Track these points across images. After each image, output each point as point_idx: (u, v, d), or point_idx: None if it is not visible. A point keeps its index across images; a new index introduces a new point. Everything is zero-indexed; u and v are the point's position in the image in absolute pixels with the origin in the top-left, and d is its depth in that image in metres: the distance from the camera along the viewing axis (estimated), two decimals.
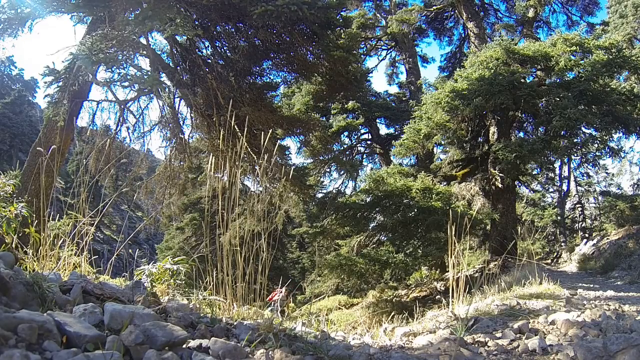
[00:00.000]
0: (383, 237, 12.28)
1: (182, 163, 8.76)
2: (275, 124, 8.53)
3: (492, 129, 12.43)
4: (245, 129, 2.81)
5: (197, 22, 6.70)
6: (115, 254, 2.86)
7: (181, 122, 8.19)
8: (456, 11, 16.92)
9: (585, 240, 17.07)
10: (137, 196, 11.89)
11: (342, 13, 7.92)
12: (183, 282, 3.00)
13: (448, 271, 10.46)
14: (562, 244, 19.97)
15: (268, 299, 7.69)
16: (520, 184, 14.25)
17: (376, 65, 43.92)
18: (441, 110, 10.75)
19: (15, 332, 1.13)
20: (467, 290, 3.39)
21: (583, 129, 10.16)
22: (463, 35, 18.73)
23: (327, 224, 12.85)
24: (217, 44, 7.72)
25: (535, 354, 1.93)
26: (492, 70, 10.52)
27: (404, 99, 19.27)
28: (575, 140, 10.11)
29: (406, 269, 10.97)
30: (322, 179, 16.88)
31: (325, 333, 2.35)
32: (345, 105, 16.63)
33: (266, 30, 6.85)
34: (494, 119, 12.18)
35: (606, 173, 23.25)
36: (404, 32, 17.12)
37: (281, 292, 7.99)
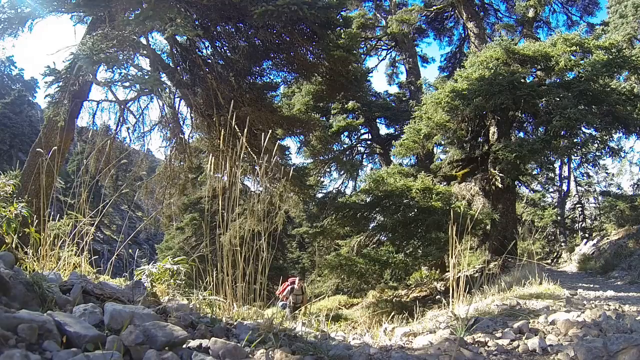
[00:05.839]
0: (383, 237, 12.27)
1: (182, 163, 8.76)
2: (275, 124, 8.53)
3: (492, 129, 12.43)
4: (246, 129, 2.80)
5: (197, 22, 6.70)
6: (115, 254, 2.85)
7: (181, 122, 8.20)
8: (456, 11, 16.92)
9: (585, 240, 17.06)
10: (137, 196, 11.89)
11: (342, 13, 7.93)
12: (183, 282, 3.00)
13: (448, 271, 10.46)
14: (562, 244, 19.95)
15: (278, 292, 7.41)
16: (520, 184, 14.24)
17: (376, 65, 43.96)
18: (441, 110, 10.75)
19: (15, 332, 1.13)
20: (467, 290, 3.39)
21: (583, 129, 10.16)
22: (463, 35, 18.74)
23: (327, 224, 12.84)
24: (217, 44, 7.72)
25: (535, 354, 1.93)
26: (492, 70, 10.52)
27: (404, 99, 19.26)
28: (575, 140, 10.10)
29: (406, 269, 10.96)
30: (322, 179, 16.88)
31: (325, 333, 2.36)
32: (345, 105, 16.62)
33: (266, 30, 6.86)
34: (494, 119, 12.18)
35: (606, 173, 23.21)
36: (404, 32, 17.11)
37: (294, 283, 7.54)
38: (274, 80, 8.62)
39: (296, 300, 7.27)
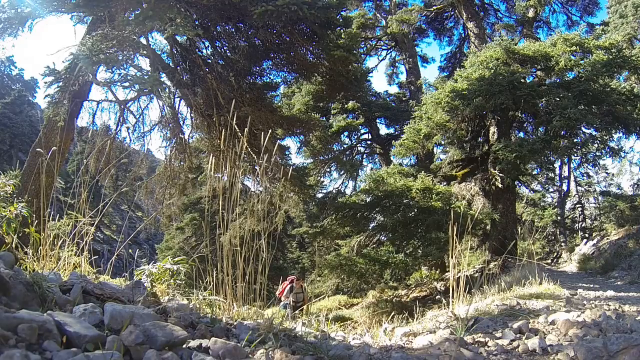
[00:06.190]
0: (383, 237, 12.28)
1: (182, 163, 8.76)
2: (275, 124, 8.53)
3: (492, 129, 12.43)
4: (246, 129, 2.81)
5: (197, 22, 6.70)
6: (115, 254, 2.85)
7: (181, 122, 8.20)
8: (456, 11, 16.92)
9: (585, 240, 17.06)
10: (137, 196, 11.89)
11: (342, 13, 7.93)
12: (183, 282, 3.00)
13: (448, 271, 10.46)
14: (562, 244, 19.95)
15: (278, 293, 7.37)
16: (520, 184, 14.24)
17: (376, 65, 43.95)
18: (441, 110, 10.75)
19: (15, 332, 1.13)
20: (467, 290, 3.39)
21: (583, 129, 10.16)
22: (463, 35, 18.74)
23: (327, 224, 12.84)
24: (217, 44, 7.72)
25: (535, 354, 1.93)
26: (492, 70, 10.52)
27: (404, 99, 19.27)
28: (575, 140, 10.11)
29: (406, 269, 10.97)
30: (322, 179, 16.88)
31: (325, 333, 2.35)
32: (345, 105, 16.62)
33: (266, 30, 6.86)
34: (494, 119, 12.18)
35: (606, 173, 23.20)
36: (404, 32, 17.11)
37: (292, 282, 7.39)
38: (274, 80, 8.62)
39: (297, 299, 7.23)
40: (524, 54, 10.68)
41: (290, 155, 13.31)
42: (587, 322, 2.41)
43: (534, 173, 14.75)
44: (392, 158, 15.60)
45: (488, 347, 2.09)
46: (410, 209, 10.80)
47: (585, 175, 21.98)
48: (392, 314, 4.12)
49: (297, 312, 6.30)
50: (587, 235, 18.72)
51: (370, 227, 12.20)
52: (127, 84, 6.46)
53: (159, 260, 4.03)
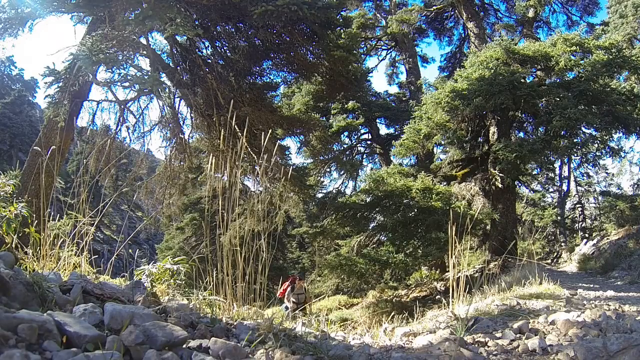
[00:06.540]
0: (383, 237, 12.28)
1: (182, 163, 8.75)
2: (275, 124, 8.53)
3: (492, 129, 12.43)
4: (245, 129, 2.81)
5: (197, 22, 6.70)
6: (115, 254, 2.86)
7: (181, 122, 8.19)
8: (456, 11, 16.93)
9: (585, 240, 17.06)
10: (137, 196, 11.89)
11: (342, 13, 7.93)
12: (183, 282, 3.00)
13: (448, 271, 10.46)
14: (562, 244, 19.95)
15: (279, 294, 7.32)
16: (520, 184, 14.24)
17: (376, 65, 43.90)
18: (441, 110, 10.75)
19: (15, 332, 1.13)
20: (467, 290, 3.39)
21: (583, 129, 10.16)
22: (463, 35, 18.75)
23: (327, 224, 12.84)
24: (217, 44, 7.72)
25: (535, 354, 1.93)
26: (492, 70, 10.52)
27: (404, 99, 19.28)
28: (575, 140, 10.11)
29: (406, 269, 10.98)
30: (322, 179, 16.89)
31: (325, 333, 2.35)
32: (345, 105, 16.63)
33: (266, 30, 6.86)
34: (494, 119, 12.18)
35: (606, 173, 23.18)
36: (404, 32, 17.12)
37: (293, 282, 7.30)
38: (274, 80, 8.61)
39: (298, 299, 7.21)
40: (524, 54, 10.68)
41: (290, 155, 13.33)
42: (587, 322, 2.41)
43: (534, 173, 14.76)
44: (392, 158, 15.61)
45: (488, 347, 2.09)
46: (410, 209, 10.80)
47: (585, 175, 21.99)
48: (392, 314, 4.12)
49: (298, 312, 6.28)
50: (587, 235, 18.72)
51: (370, 227, 12.20)
52: (127, 84, 6.46)
53: (159, 260, 4.03)
